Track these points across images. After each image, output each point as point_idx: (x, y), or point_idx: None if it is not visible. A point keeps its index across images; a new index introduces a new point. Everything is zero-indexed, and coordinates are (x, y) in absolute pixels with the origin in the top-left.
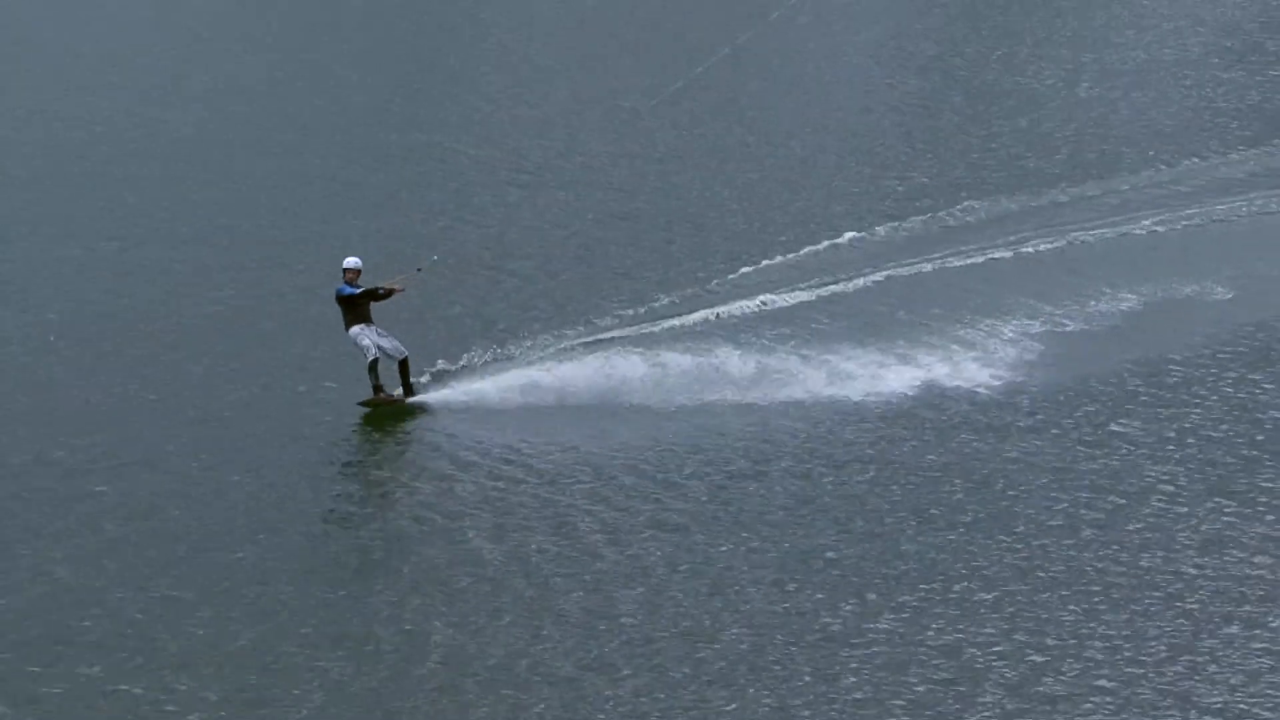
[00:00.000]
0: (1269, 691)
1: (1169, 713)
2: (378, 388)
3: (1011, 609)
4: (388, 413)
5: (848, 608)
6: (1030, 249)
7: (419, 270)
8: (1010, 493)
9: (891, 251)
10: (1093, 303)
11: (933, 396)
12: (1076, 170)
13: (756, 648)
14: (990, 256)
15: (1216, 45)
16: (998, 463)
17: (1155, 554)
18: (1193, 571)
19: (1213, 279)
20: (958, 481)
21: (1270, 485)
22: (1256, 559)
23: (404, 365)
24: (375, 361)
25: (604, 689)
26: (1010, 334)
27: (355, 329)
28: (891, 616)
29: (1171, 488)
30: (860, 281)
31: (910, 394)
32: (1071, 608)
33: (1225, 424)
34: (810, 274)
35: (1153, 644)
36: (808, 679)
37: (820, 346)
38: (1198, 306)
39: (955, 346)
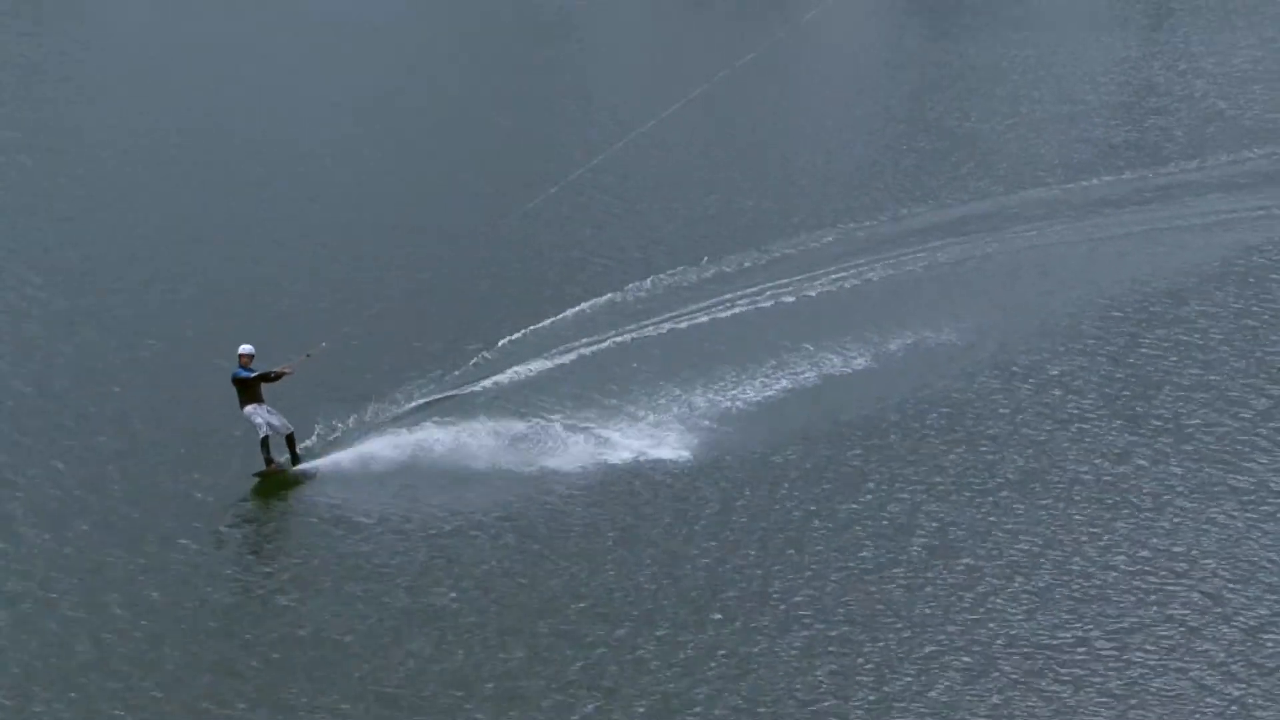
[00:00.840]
0: None
1: None
2: (268, 460)
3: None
4: (277, 481)
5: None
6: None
7: (308, 355)
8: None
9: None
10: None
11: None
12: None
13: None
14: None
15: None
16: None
17: (811, 626)
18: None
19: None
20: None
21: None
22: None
23: (290, 438)
24: (266, 438)
25: None
26: (705, 404)
27: (249, 408)
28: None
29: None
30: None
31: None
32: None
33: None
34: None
35: None
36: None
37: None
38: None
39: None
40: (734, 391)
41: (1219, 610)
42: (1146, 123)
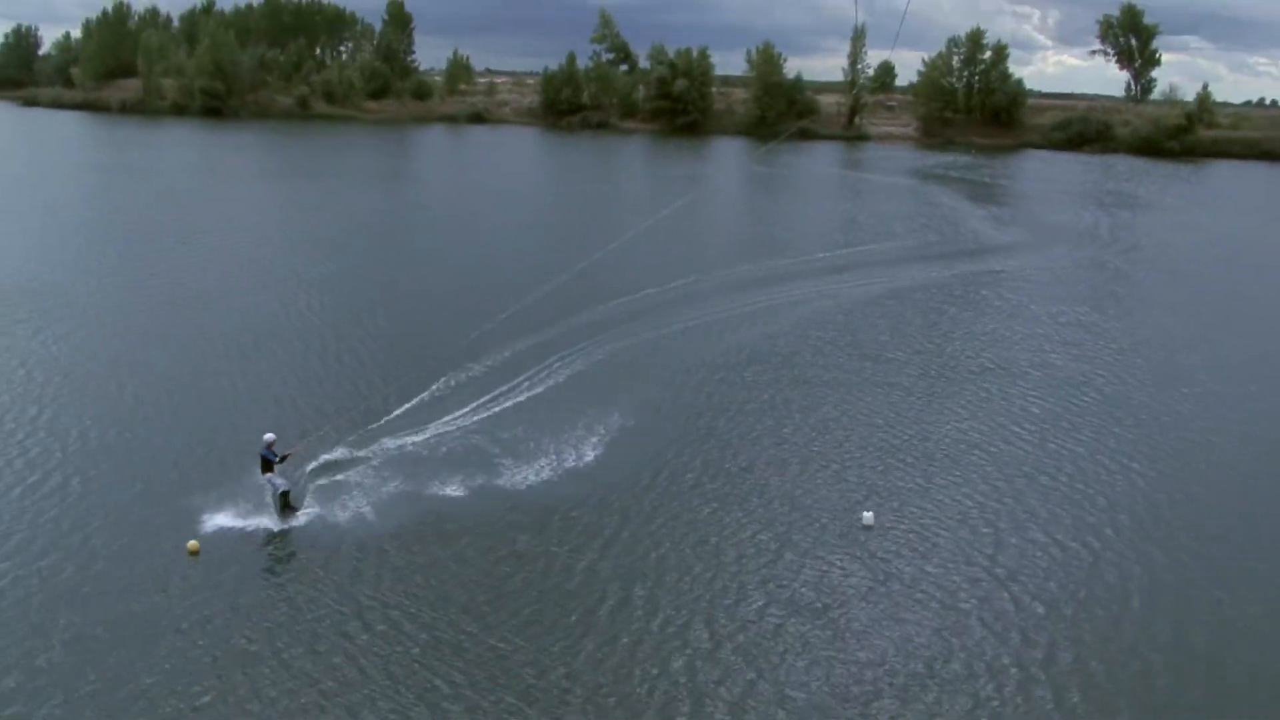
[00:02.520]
0: None
1: None
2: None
3: None
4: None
5: None
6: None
7: (304, 441)
8: None
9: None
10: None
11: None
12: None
13: None
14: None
15: None
16: None
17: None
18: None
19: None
20: None
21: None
22: None
23: (286, 495)
24: (285, 493)
25: None
26: None
27: (266, 476)
28: None
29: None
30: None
31: None
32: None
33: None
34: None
35: None
36: None
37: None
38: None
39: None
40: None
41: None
42: None
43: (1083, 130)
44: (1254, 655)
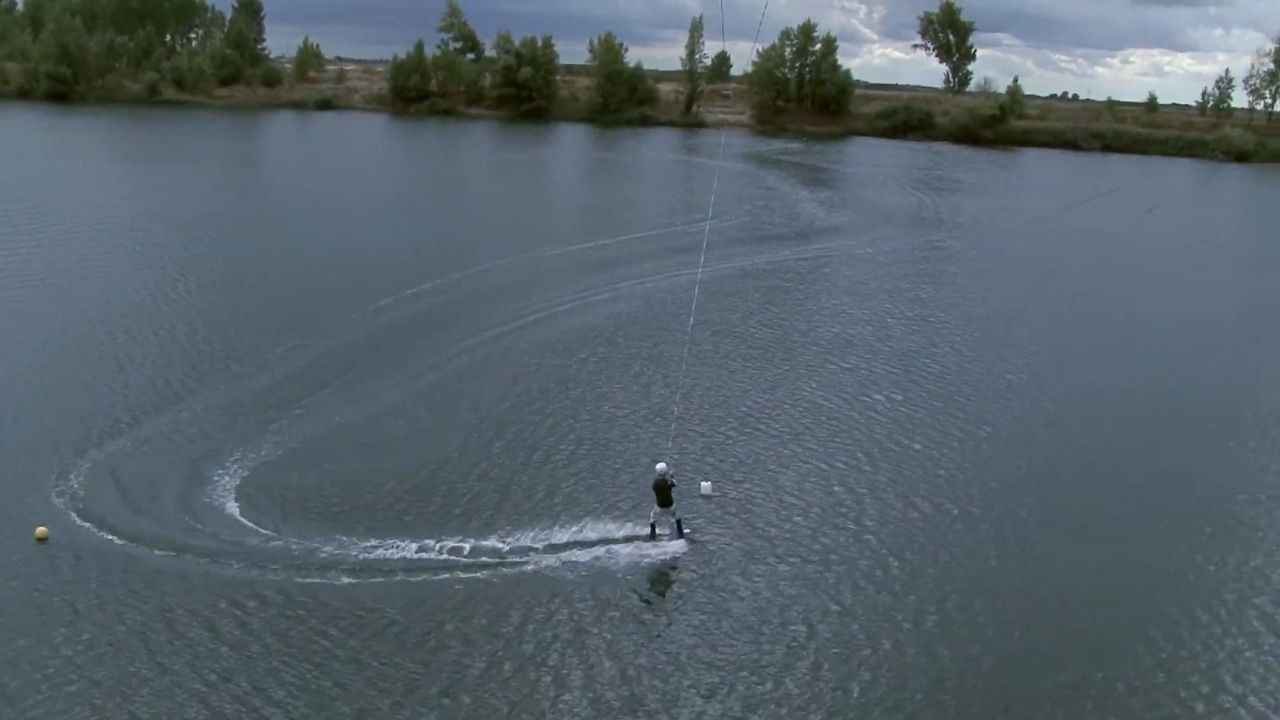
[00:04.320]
0: None
1: None
2: (653, 534)
3: None
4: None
5: None
6: None
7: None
8: None
9: None
10: None
11: None
12: None
13: None
14: None
15: None
16: None
17: None
18: None
19: None
20: None
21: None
22: None
23: (680, 523)
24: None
25: None
26: None
27: (660, 509)
28: None
29: None
30: None
31: None
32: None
33: None
34: None
35: None
36: None
37: None
38: None
39: None
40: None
41: None
42: None
43: (906, 119)
44: (1096, 599)
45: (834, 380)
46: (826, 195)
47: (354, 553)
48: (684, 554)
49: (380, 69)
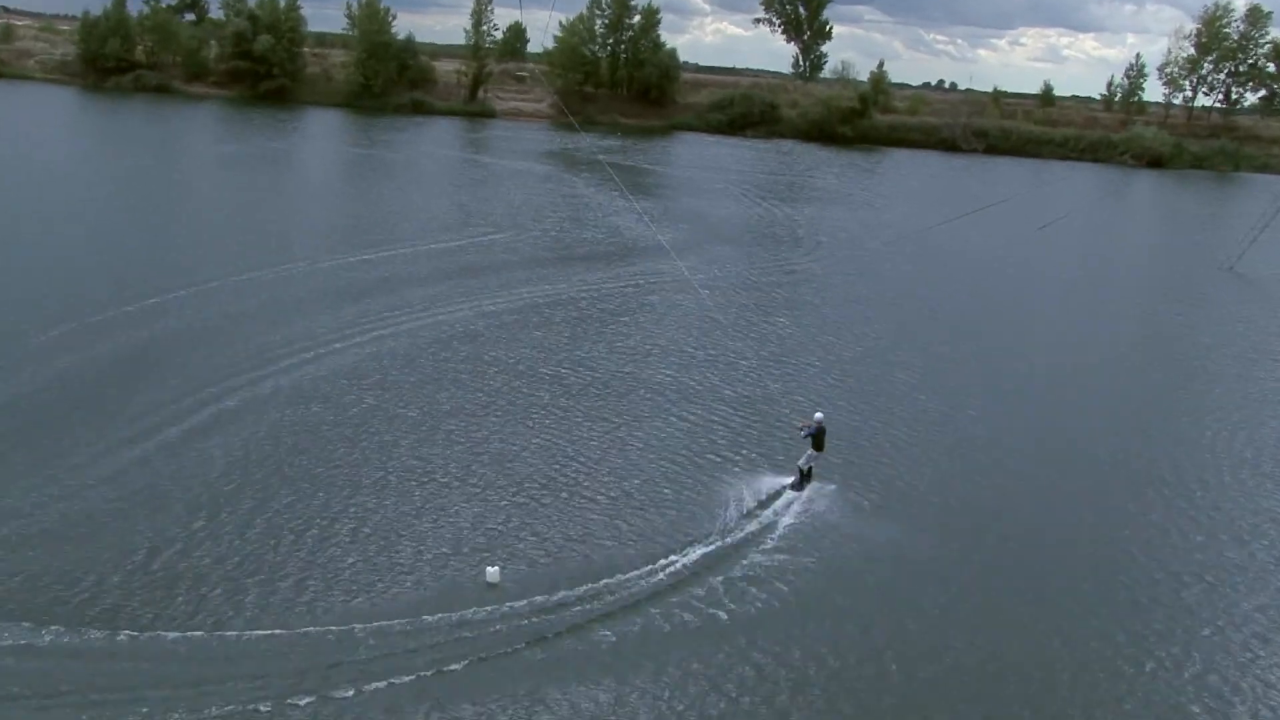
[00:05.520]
0: None
1: None
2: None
3: None
4: None
5: None
6: None
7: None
8: None
9: None
10: None
11: None
12: None
13: None
14: None
15: None
16: None
17: None
18: None
19: None
20: None
21: None
22: None
23: (806, 474)
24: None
25: None
26: None
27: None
28: None
29: None
30: None
31: None
32: None
33: None
34: None
35: None
36: None
37: None
38: None
39: None
40: None
41: None
42: None
43: (746, 111)
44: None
45: (663, 436)
46: (649, 205)
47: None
48: None
49: (65, 28)
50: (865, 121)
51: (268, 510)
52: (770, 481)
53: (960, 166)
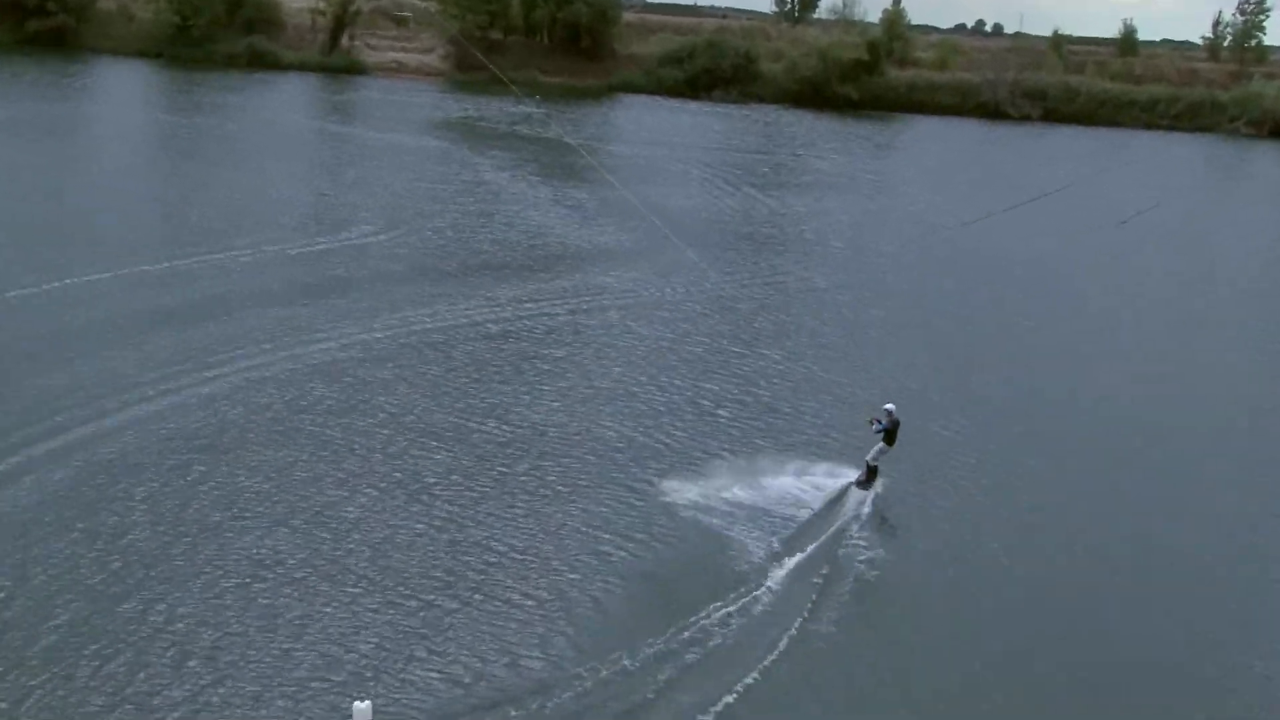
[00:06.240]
0: None
1: None
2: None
3: None
4: None
5: None
6: None
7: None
8: None
9: None
10: None
11: None
12: None
13: None
14: None
15: None
16: None
17: None
18: None
19: None
20: None
21: None
22: None
23: (874, 471)
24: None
25: None
26: None
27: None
28: None
29: None
30: None
31: None
32: None
33: None
34: None
35: None
36: None
37: None
38: None
39: None
40: None
41: None
42: None
43: (711, 66)
44: None
45: (609, 514)
46: (584, 196)
47: None
48: None
49: None
50: (876, 79)
51: (51, 630)
52: (741, 588)
53: (1007, 139)
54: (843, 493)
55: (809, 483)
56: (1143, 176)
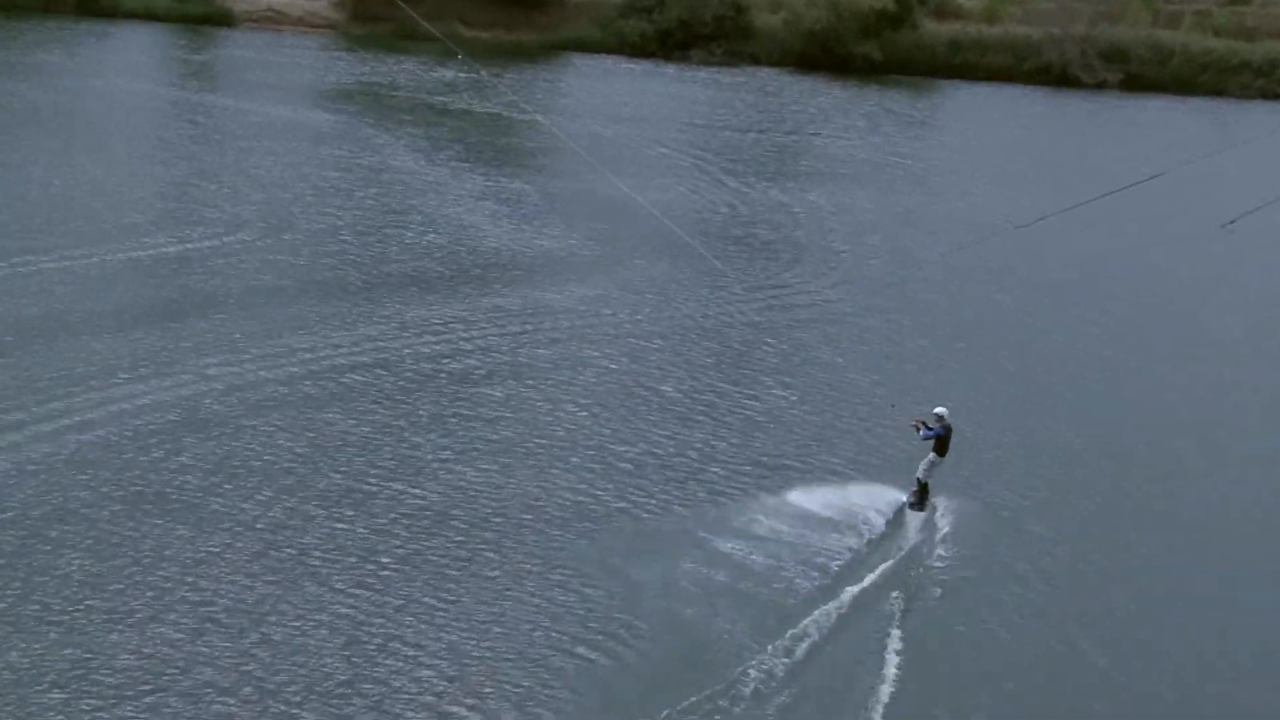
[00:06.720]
0: None
1: None
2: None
3: None
4: None
5: None
6: None
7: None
8: None
9: None
10: None
11: None
12: None
13: None
14: None
15: None
16: None
17: None
18: None
19: None
20: None
21: None
22: None
23: (925, 488)
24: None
25: None
26: None
27: (930, 457)
28: None
29: None
30: None
31: None
32: None
33: None
34: None
35: None
36: None
37: None
38: None
39: None
40: None
41: None
42: None
43: (688, 19)
44: None
45: (557, 605)
46: (525, 187)
47: None
48: None
49: None
50: (906, 34)
51: None
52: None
53: (1077, 113)
54: (896, 520)
55: (831, 539)
56: (1257, 163)
